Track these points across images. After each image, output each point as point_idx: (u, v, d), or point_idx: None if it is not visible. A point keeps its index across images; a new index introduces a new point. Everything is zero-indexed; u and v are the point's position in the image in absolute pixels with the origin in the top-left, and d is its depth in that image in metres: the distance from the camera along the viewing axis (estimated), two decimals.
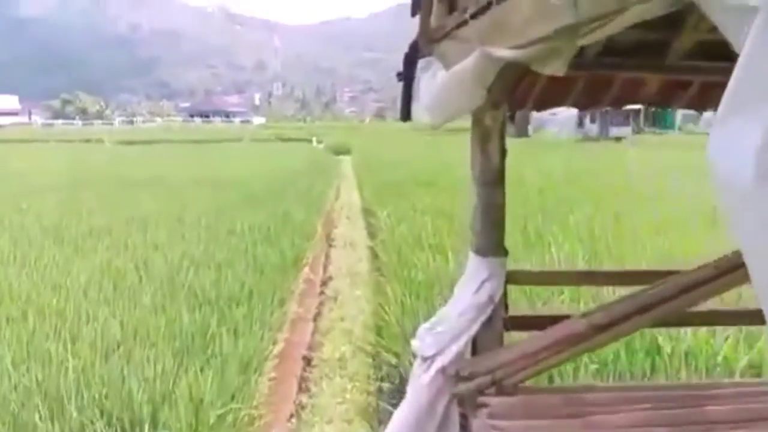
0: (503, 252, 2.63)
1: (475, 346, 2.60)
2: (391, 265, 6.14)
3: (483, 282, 2.53)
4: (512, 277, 2.79)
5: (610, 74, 2.66)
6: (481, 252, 2.60)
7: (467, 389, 2.47)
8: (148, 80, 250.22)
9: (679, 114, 44.71)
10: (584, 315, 2.40)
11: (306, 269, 7.79)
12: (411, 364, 3.74)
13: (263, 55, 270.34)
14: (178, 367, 3.98)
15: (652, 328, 3.54)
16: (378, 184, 13.21)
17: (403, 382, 3.77)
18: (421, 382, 2.52)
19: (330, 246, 9.72)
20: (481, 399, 2.43)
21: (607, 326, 2.29)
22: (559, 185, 12.06)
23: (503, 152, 2.59)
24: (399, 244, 6.77)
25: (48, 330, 4.56)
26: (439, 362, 2.49)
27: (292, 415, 4.19)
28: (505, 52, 1.58)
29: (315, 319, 6.07)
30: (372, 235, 9.20)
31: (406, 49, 2.36)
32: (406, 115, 2.46)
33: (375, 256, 7.81)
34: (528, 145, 25.68)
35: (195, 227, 8.83)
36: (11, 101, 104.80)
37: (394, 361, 3.95)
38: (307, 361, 5.09)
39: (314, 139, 40.93)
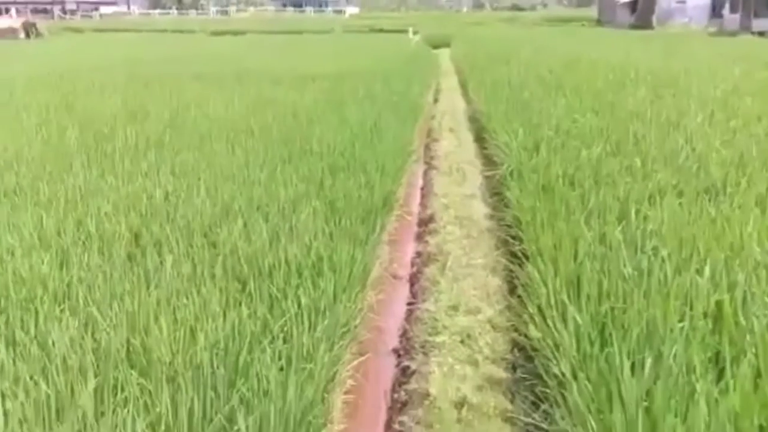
0: None
1: None
2: (535, 231, 3.89)
3: None
4: None
5: None
6: None
7: None
8: None
9: None
10: None
11: (398, 207, 5.83)
12: None
13: None
14: None
15: None
16: (488, 86, 10.77)
17: None
18: None
19: (430, 167, 7.63)
20: None
21: None
22: None
23: None
24: (544, 190, 4.50)
25: None
26: None
27: None
28: None
29: (412, 309, 4.11)
30: (487, 159, 7.01)
31: None
32: None
33: (496, 194, 5.68)
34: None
35: (262, 142, 6.95)
36: None
37: None
38: None
39: (410, 29, 37.80)
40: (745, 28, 33.40)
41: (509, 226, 4.70)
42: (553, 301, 2.90)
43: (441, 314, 3.77)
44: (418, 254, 5.10)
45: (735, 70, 11.64)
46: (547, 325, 2.83)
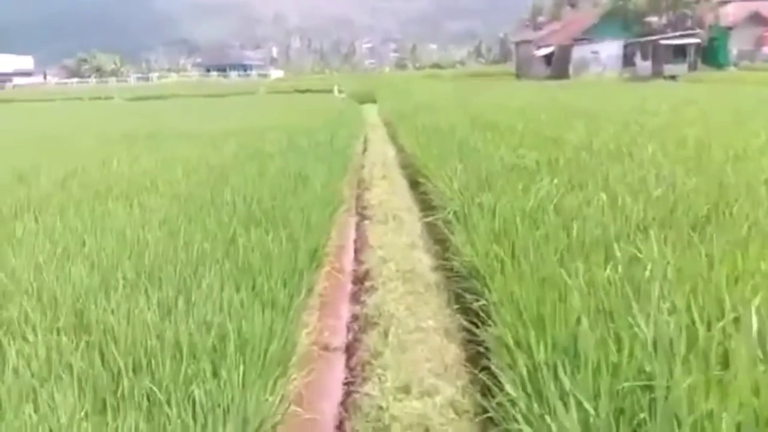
0: None
1: None
2: (505, 281, 3.06)
3: None
4: None
5: None
6: None
7: None
8: (165, 37, 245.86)
9: (734, 50, 40.54)
10: None
11: (329, 263, 5.01)
12: None
13: (281, 7, 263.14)
14: None
15: None
16: (420, 132, 10.19)
17: None
18: None
19: (363, 218, 6.83)
20: None
21: None
22: None
23: None
24: (499, 232, 3.70)
25: None
26: None
27: None
28: None
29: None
30: (425, 204, 6.28)
31: None
32: None
33: (440, 241, 4.91)
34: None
35: (167, 198, 6.00)
36: (25, 61, 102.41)
37: None
38: None
39: (335, 87, 37.62)
40: (657, 73, 34.97)
41: (461, 277, 3.91)
42: (541, 376, 2.08)
43: (387, 399, 2.88)
44: (355, 318, 4.23)
45: (663, 106, 11.54)
46: (533, 411, 2.00)
